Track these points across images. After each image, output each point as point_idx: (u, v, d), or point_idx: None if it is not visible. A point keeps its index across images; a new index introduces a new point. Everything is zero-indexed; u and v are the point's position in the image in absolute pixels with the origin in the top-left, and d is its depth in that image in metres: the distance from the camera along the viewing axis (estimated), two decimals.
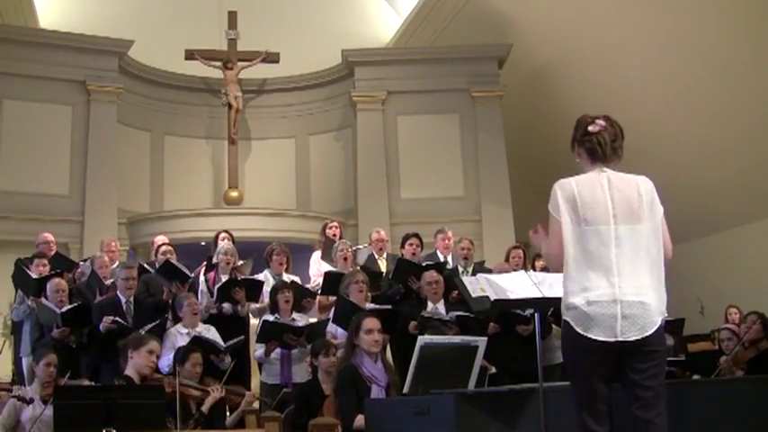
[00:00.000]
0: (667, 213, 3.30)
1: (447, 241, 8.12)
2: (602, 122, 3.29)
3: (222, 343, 6.22)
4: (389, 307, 6.54)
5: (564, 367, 3.38)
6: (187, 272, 7.10)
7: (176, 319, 6.70)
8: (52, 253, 8.21)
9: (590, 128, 3.29)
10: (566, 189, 3.25)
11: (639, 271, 3.15)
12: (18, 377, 7.38)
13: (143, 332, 6.07)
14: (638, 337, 3.10)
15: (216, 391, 5.29)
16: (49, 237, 8.46)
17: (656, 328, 3.13)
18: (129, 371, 4.91)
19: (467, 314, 6.38)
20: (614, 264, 3.13)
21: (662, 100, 11.13)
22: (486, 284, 4.09)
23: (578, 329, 3.12)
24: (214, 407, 5.36)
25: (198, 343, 5.95)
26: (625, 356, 3.13)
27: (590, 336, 3.10)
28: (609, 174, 3.25)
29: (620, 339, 3.09)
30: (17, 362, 7.66)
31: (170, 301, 6.87)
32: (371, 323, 4.94)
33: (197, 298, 6.82)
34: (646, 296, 3.13)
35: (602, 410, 3.14)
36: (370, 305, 6.37)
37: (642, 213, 3.19)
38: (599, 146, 3.26)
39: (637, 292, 3.11)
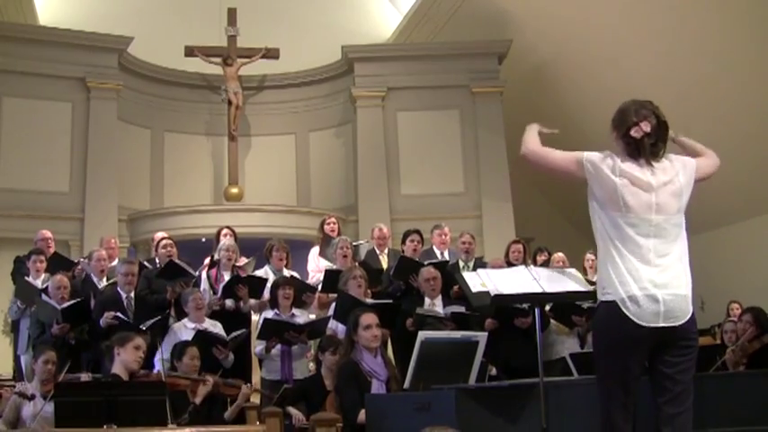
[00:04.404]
0: None
1: (444, 237, 8.11)
2: (646, 127, 3.24)
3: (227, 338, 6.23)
4: (390, 301, 6.54)
5: (593, 358, 3.32)
6: (191, 270, 7.09)
7: (180, 316, 6.70)
8: (51, 250, 8.21)
9: (632, 132, 3.25)
10: (605, 166, 3.22)
11: (674, 260, 3.17)
12: (18, 374, 7.39)
13: (143, 327, 6.09)
14: (680, 323, 3.10)
15: (208, 383, 5.27)
16: (48, 234, 8.45)
17: (689, 316, 3.14)
18: (117, 368, 4.88)
19: (462, 311, 6.38)
20: (653, 253, 3.13)
21: (664, 97, 10.99)
22: (487, 279, 4.08)
23: (625, 311, 3.09)
24: (213, 401, 5.36)
25: (202, 338, 5.95)
26: (661, 348, 3.13)
27: (635, 320, 3.08)
28: (650, 164, 3.24)
29: (662, 325, 3.08)
30: (16, 359, 7.67)
31: (172, 300, 6.88)
32: (369, 318, 4.94)
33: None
34: (681, 286, 3.15)
35: (629, 407, 3.13)
36: (370, 301, 6.37)
37: (681, 203, 3.22)
38: (637, 150, 3.24)
39: (674, 282, 3.13)
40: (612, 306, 3.13)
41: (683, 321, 3.11)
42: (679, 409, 3.10)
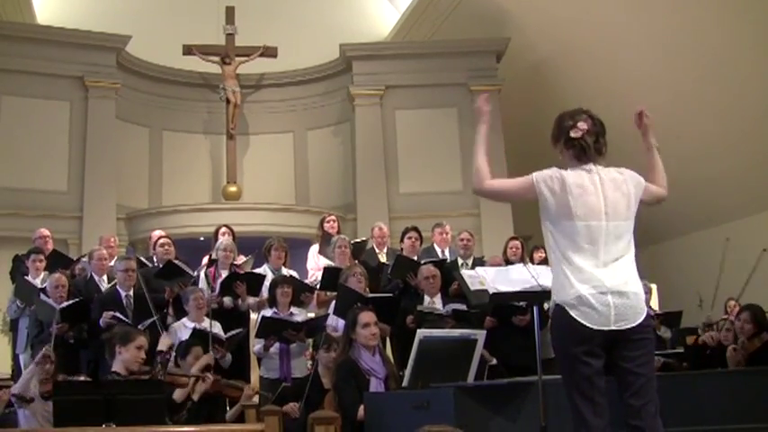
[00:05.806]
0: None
1: (444, 235, 8.12)
2: (583, 126, 3.32)
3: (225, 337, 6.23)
4: (390, 295, 6.54)
5: (555, 360, 3.38)
6: (189, 271, 7.08)
7: (179, 315, 6.69)
8: (49, 248, 8.20)
9: (572, 134, 3.33)
10: (554, 183, 3.28)
11: (626, 264, 3.24)
12: (16, 373, 7.38)
13: (141, 328, 6.07)
14: (630, 326, 3.16)
15: (207, 380, 5.26)
16: (46, 232, 8.44)
17: (644, 316, 3.20)
18: (117, 366, 4.87)
19: (463, 308, 6.38)
20: (604, 257, 3.20)
21: (661, 95, 11.11)
22: (485, 277, 4.09)
23: (574, 315, 3.15)
24: (214, 402, 5.35)
25: (199, 336, 5.95)
26: (616, 345, 3.18)
27: (585, 323, 3.14)
28: (599, 171, 3.30)
29: (613, 328, 3.14)
30: (15, 358, 7.66)
31: (170, 299, 6.87)
32: (367, 317, 4.94)
33: None
34: (633, 287, 3.21)
35: (600, 403, 3.16)
36: (370, 294, 6.36)
37: (630, 211, 3.29)
38: (583, 150, 3.31)
39: (625, 284, 3.19)
40: (562, 308, 3.20)
41: (634, 324, 3.17)
42: (643, 401, 3.16)
